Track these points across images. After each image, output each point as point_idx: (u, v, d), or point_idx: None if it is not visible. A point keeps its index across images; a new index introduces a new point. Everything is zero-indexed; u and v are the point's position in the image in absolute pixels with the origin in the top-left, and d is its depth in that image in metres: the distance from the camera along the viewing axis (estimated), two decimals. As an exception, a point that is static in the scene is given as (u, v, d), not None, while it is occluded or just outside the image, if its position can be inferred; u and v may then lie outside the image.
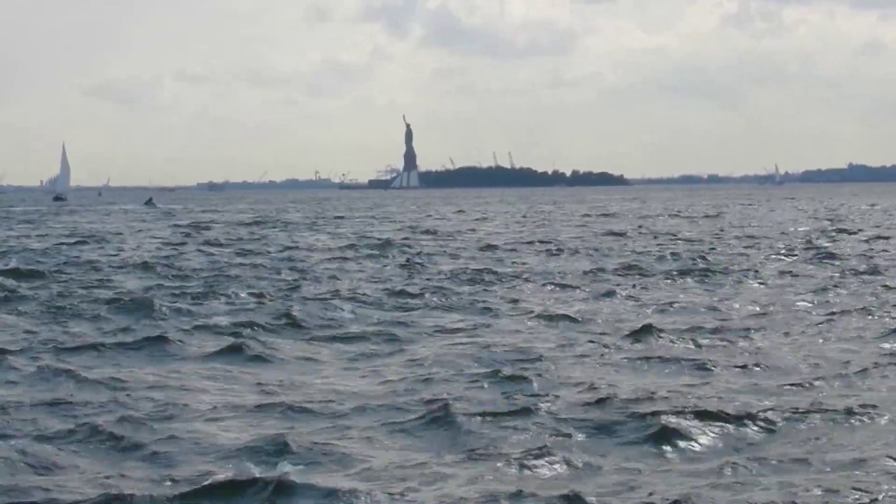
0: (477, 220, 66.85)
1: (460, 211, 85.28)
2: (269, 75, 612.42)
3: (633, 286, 22.72)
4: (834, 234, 43.13)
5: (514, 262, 29.77)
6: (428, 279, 24.58)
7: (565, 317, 17.55)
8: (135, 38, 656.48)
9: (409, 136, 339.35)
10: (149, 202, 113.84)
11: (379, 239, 41.72)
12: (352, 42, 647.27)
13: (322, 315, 18.14)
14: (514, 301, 20.13)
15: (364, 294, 21.35)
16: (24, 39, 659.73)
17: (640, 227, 51.43)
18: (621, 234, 44.19)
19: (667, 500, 7.76)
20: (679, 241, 39.20)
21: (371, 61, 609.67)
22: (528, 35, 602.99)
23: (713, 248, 34.58)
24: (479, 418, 10.14)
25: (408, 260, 30.48)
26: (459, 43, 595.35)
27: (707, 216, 66.45)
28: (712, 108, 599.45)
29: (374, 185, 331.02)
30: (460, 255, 33.06)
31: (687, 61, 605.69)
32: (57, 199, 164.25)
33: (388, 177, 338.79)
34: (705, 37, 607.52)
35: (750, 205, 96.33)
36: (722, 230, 47.80)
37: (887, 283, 22.37)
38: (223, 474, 8.41)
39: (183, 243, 39.88)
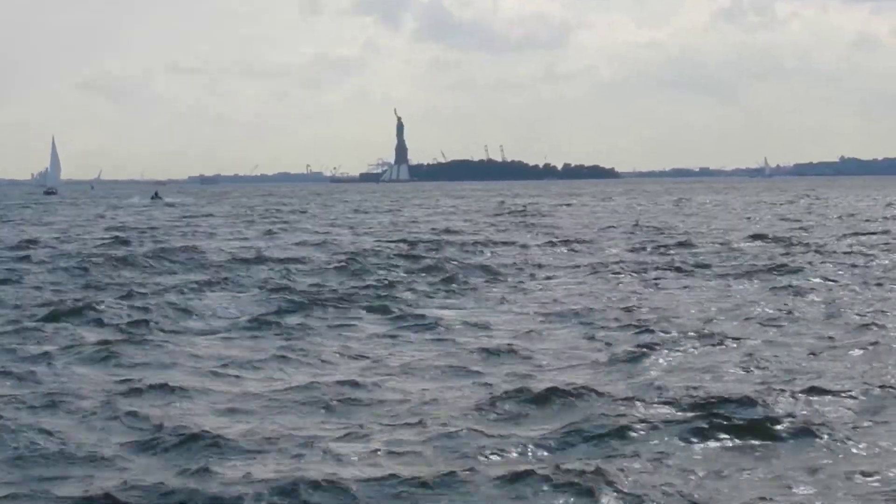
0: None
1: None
2: (262, 68, 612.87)
3: None
4: None
5: None
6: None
7: None
8: (127, 30, 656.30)
9: (400, 129, 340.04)
10: (155, 196, 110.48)
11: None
12: (345, 35, 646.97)
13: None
14: None
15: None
16: (17, 33, 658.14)
17: None
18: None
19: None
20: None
21: (365, 55, 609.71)
22: (521, 29, 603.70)
23: None
24: None
25: None
26: (453, 37, 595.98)
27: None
28: (706, 101, 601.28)
29: (365, 178, 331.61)
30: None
31: (681, 55, 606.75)
32: (48, 192, 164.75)
33: (380, 170, 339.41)
34: (699, 31, 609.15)
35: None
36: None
37: None
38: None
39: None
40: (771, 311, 18.59)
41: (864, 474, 8.91)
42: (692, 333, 15.89)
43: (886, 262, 28.02)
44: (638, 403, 11.29)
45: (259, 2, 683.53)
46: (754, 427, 10.26)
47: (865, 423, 10.49)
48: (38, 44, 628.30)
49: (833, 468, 9.13)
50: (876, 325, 16.69)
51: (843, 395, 11.69)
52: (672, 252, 31.94)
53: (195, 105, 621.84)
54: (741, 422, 10.40)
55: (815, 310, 18.85)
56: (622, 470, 8.98)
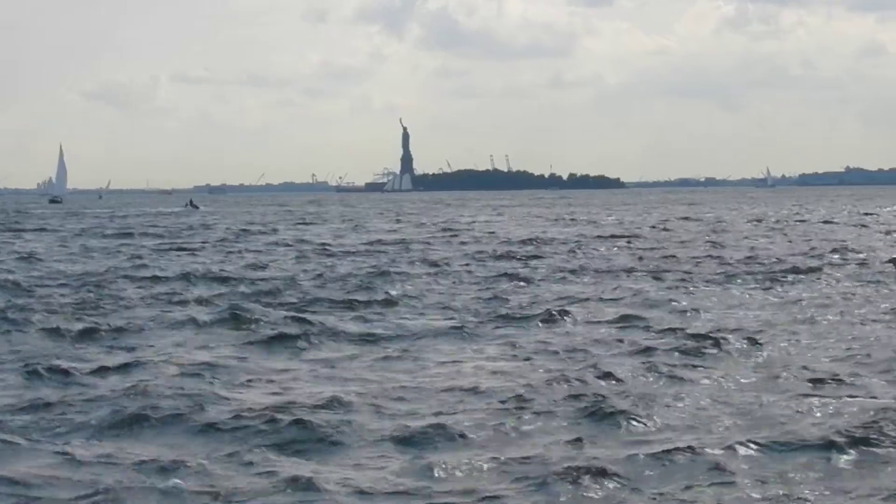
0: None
1: None
2: (267, 77, 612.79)
3: None
4: None
5: None
6: None
7: None
8: (133, 40, 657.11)
9: (405, 138, 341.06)
10: (190, 204, 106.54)
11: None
12: (350, 44, 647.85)
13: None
14: None
15: None
16: (23, 42, 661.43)
17: None
18: None
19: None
20: None
21: (369, 63, 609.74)
22: (526, 37, 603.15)
23: None
24: None
25: None
26: (458, 45, 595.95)
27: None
28: (710, 109, 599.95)
29: (371, 187, 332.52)
30: None
31: (686, 63, 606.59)
32: (53, 201, 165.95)
33: (385, 179, 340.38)
34: (705, 38, 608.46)
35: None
36: None
37: None
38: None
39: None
40: None
41: None
42: None
43: None
44: None
45: (264, 11, 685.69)
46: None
47: None
48: (43, 51, 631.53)
49: None
50: None
51: None
52: None
53: (200, 113, 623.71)
54: None
55: None
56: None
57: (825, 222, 58.53)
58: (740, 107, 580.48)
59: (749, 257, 31.41)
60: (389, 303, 20.56)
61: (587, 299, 21.14)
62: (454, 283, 24.88)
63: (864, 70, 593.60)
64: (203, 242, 43.83)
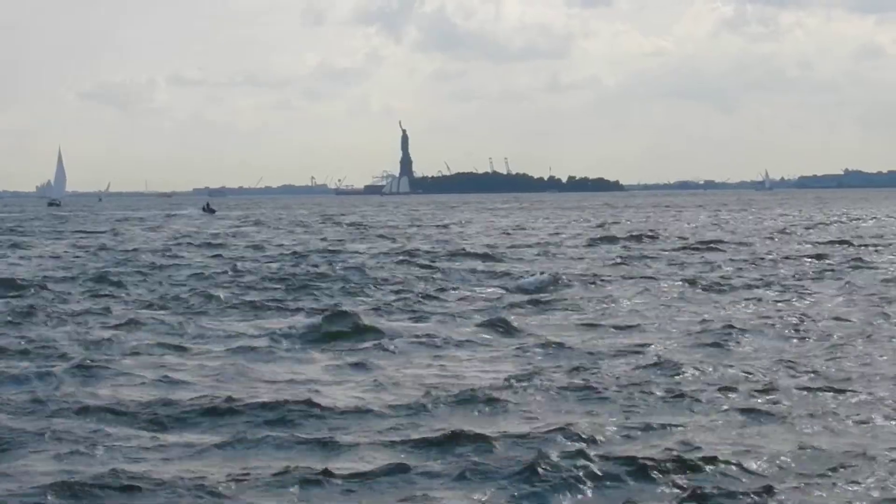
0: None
1: None
2: (264, 79, 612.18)
3: None
4: None
5: None
6: None
7: None
8: (132, 41, 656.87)
9: (405, 141, 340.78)
10: (207, 208, 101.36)
11: None
12: (348, 46, 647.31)
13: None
14: None
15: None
16: (23, 42, 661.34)
17: None
18: None
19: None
20: None
21: (367, 65, 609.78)
22: (524, 40, 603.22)
23: None
24: None
25: None
26: (455, 47, 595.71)
27: None
28: (708, 112, 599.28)
29: (370, 190, 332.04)
30: None
31: (684, 65, 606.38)
32: (52, 204, 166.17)
33: (384, 182, 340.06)
34: (702, 41, 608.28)
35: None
36: None
37: None
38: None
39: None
40: None
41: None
42: None
43: None
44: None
45: (262, 12, 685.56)
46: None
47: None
48: (42, 52, 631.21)
49: None
50: None
51: None
52: None
53: (197, 115, 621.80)
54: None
55: None
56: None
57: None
58: (739, 109, 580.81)
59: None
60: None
61: None
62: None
63: (862, 72, 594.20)
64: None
